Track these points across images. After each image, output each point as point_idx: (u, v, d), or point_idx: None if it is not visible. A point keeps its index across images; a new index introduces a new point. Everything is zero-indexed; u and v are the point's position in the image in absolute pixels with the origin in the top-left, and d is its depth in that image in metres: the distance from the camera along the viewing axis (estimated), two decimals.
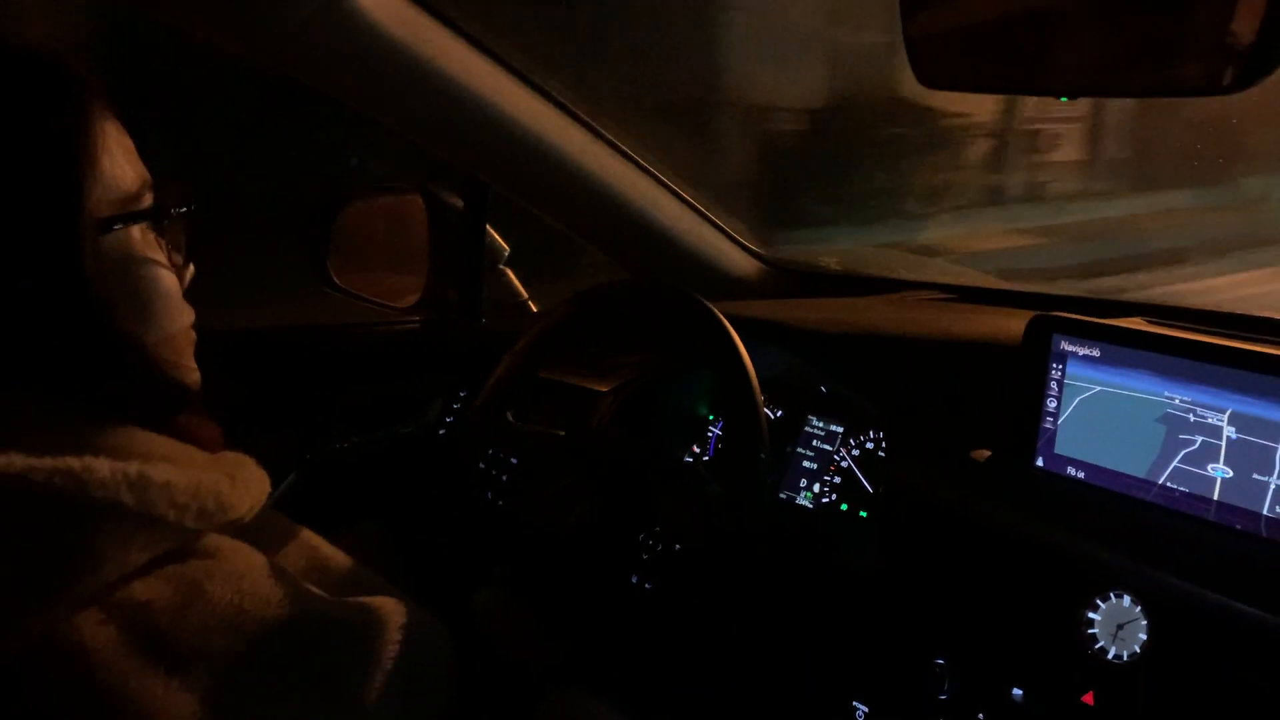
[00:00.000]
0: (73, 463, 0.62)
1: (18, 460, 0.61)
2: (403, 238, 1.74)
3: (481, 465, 1.45)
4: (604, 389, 1.58)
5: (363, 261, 1.72)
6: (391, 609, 0.79)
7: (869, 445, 1.35)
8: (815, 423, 1.41)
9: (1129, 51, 0.81)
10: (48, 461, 0.61)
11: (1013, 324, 1.24)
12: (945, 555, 1.17)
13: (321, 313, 1.77)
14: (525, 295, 1.84)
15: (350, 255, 1.69)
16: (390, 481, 1.60)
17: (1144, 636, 0.99)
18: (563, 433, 1.27)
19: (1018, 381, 1.18)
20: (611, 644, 0.97)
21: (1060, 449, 1.15)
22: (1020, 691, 1.08)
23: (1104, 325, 1.11)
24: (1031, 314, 1.20)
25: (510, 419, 1.30)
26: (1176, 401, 1.06)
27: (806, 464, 1.39)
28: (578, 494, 1.21)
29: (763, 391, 1.15)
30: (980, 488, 1.15)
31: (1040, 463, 1.16)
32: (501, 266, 1.81)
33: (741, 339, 1.16)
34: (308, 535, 0.83)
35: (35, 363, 0.68)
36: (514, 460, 1.44)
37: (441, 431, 1.65)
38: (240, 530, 0.74)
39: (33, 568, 0.60)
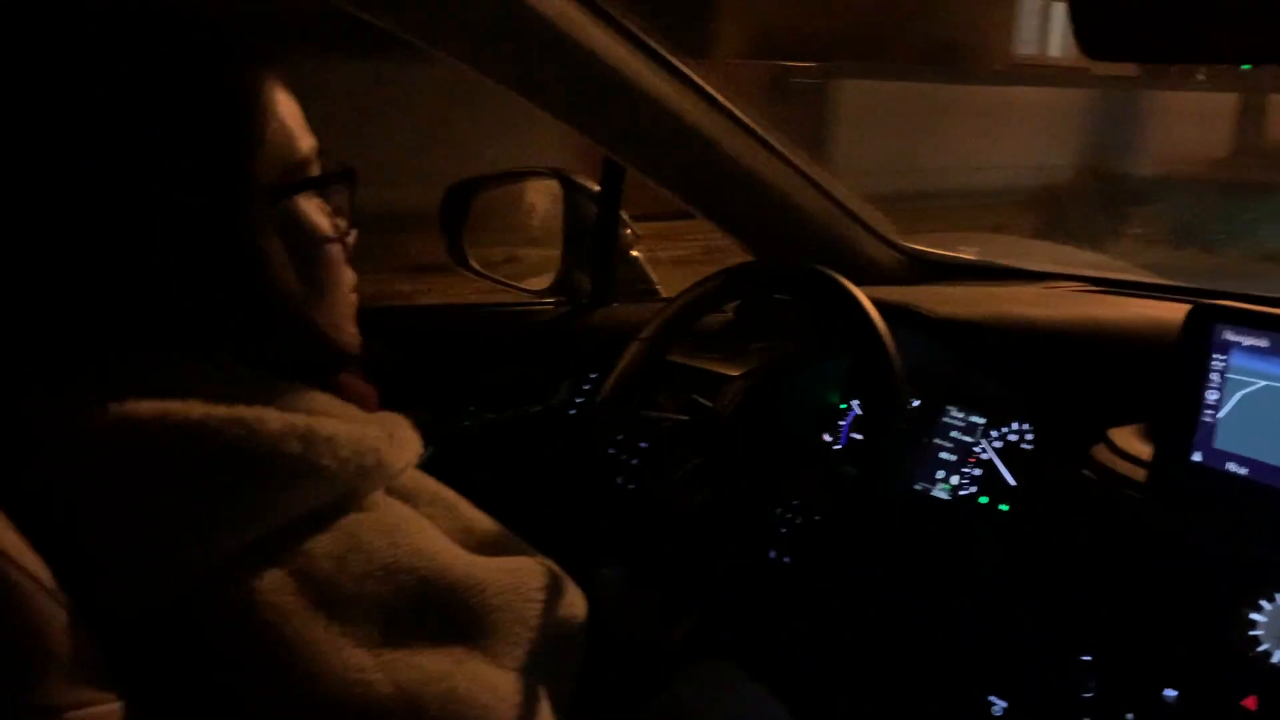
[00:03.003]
0: (245, 412, 0.65)
1: (196, 408, 0.63)
2: (538, 222, 1.77)
3: (611, 450, 1.46)
4: (733, 373, 1.57)
5: (497, 244, 1.76)
6: (535, 571, 0.80)
7: (1011, 437, 1.30)
8: (955, 413, 1.37)
9: None
10: (223, 410, 0.64)
11: (1167, 315, 1.18)
12: (1093, 550, 1.13)
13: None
14: (655, 280, 1.85)
15: (487, 237, 1.72)
16: (519, 460, 1.63)
17: None
18: (690, 418, 1.27)
19: (1174, 372, 1.13)
20: (748, 618, 0.97)
21: (1220, 444, 1.09)
22: (1174, 692, 1.03)
23: (1275, 314, 1.05)
24: (1187, 305, 1.15)
25: (639, 405, 1.30)
26: None
27: (944, 455, 1.35)
28: (707, 475, 1.20)
29: None
30: (1133, 481, 1.10)
31: (1198, 457, 1.10)
32: (633, 252, 1.82)
33: None
34: (454, 497, 0.85)
35: (205, 325, 0.71)
36: (643, 445, 1.44)
37: (571, 412, 1.67)
38: (392, 488, 0.76)
39: (205, 510, 0.62)
